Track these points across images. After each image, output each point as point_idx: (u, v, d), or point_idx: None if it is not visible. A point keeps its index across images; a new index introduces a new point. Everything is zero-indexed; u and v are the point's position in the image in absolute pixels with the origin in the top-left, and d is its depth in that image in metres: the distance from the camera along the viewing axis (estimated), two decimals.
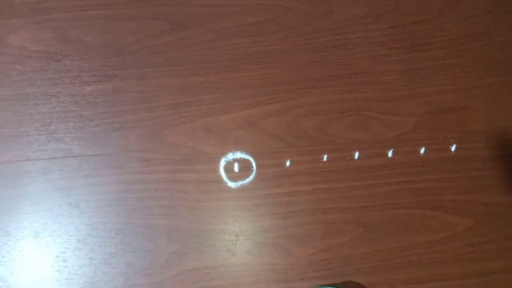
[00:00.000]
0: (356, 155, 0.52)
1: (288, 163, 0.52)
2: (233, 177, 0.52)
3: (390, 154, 0.53)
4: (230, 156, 0.52)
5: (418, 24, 0.56)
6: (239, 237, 0.50)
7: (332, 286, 0.49)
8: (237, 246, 0.50)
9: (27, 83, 0.53)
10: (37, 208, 0.50)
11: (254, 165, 0.52)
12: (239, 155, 0.52)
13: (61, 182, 0.51)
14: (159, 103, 0.53)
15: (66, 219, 0.50)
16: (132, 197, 0.51)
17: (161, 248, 0.50)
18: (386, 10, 0.56)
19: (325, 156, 0.52)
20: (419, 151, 0.53)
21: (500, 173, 0.53)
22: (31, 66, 0.53)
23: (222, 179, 0.52)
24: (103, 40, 0.54)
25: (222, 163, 0.52)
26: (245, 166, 0.52)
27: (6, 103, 0.52)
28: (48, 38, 0.54)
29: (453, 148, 0.53)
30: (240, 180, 0.52)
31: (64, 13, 0.55)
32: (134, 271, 0.49)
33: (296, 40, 0.55)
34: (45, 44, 0.54)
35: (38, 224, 0.50)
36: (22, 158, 0.51)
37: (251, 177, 0.52)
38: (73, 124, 0.52)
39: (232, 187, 0.51)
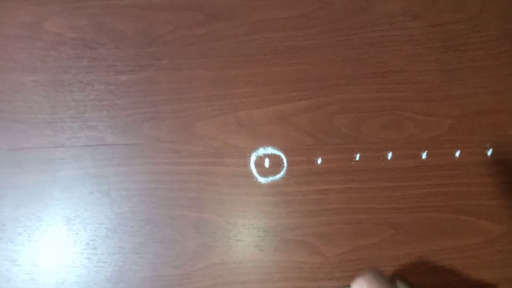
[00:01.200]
0: (389, 155, 0.49)
1: (319, 161, 0.49)
2: (263, 172, 0.49)
3: (424, 155, 0.50)
4: (261, 151, 0.49)
5: (456, 23, 0.52)
6: (267, 233, 0.48)
7: None
8: (265, 242, 0.48)
9: (62, 70, 0.51)
10: (68, 195, 0.48)
11: (285, 161, 0.49)
12: (270, 150, 0.49)
13: (93, 170, 0.49)
14: (192, 95, 0.50)
15: (97, 207, 0.48)
16: (162, 188, 0.48)
17: (190, 240, 0.48)
18: (424, 7, 0.52)
19: (358, 155, 0.49)
20: (454, 154, 0.50)
21: None
22: (66, 53, 0.51)
23: (252, 174, 0.49)
24: (137, 29, 0.51)
25: (253, 158, 0.49)
26: (275, 162, 0.49)
27: (42, 89, 0.50)
28: (83, 26, 0.52)
29: (489, 152, 0.50)
30: (271, 176, 0.49)
31: (100, 1, 0.52)
32: (162, 261, 0.47)
33: (331, 35, 0.52)
34: (80, 32, 0.51)
35: (69, 211, 0.48)
36: (56, 145, 0.49)
37: (282, 173, 0.49)
38: (107, 113, 0.50)
39: (262, 182, 0.49)
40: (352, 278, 0.43)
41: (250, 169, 0.50)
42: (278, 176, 0.50)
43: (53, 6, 0.52)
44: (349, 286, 0.44)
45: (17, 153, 0.49)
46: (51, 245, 0.48)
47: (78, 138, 0.50)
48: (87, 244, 0.48)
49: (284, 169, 0.50)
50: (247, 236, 0.48)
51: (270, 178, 0.50)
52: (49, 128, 0.50)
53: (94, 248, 0.48)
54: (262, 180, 0.49)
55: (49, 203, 0.48)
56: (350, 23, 0.53)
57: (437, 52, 0.52)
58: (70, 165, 0.49)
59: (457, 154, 0.50)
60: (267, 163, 0.50)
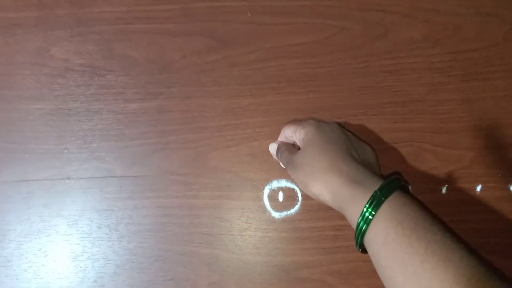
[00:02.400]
0: (409, 189, 0.45)
1: None
2: (277, 206, 0.45)
3: (444, 190, 0.46)
4: (275, 184, 0.46)
5: (478, 51, 0.48)
6: (282, 272, 0.44)
7: None
8: (279, 280, 0.44)
9: (69, 98, 0.47)
10: (75, 229, 0.45)
11: (299, 195, 0.46)
12: (284, 183, 0.46)
13: (101, 203, 0.45)
14: (204, 124, 0.47)
15: (105, 242, 0.45)
16: (173, 223, 0.45)
17: (201, 278, 0.44)
18: (445, 34, 0.48)
19: None
20: (475, 188, 0.46)
21: None
22: (74, 80, 0.47)
23: (266, 208, 0.46)
24: (148, 55, 0.48)
25: (266, 191, 0.46)
26: (290, 196, 0.46)
27: (48, 117, 0.47)
28: (92, 51, 0.48)
29: None
30: (285, 211, 0.45)
31: (109, 25, 0.48)
32: None
33: (347, 63, 0.48)
34: (89, 58, 0.48)
35: (76, 246, 0.45)
36: (62, 176, 0.46)
37: (296, 207, 0.46)
38: (115, 143, 0.46)
39: (276, 217, 0.45)
40: None
41: (264, 203, 0.46)
42: (293, 210, 0.46)
43: (61, 31, 0.48)
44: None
45: (23, 185, 0.46)
46: (58, 282, 0.44)
47: (86, 169, 0.46)
48: (95, 281, 0.45)
49: (299, 203, 0.46)
50: (260, 274, 0.45)
51: (284, 213, 0.46)
52: (55, 159, 0.46)
53: (102, 285, 0.45)
54: (275, 215, 0.46)
55: (56, 238, 0.45)
56: (367, 50, 0.49)
57: (458, 80, 0.48)
58: (77, 198, 0.46)
59: (478, 188, 0.46)
60: (281, 196, 0.46)
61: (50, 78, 0.48)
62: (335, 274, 0.45)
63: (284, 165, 0.44)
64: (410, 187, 0.47)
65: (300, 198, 0.46)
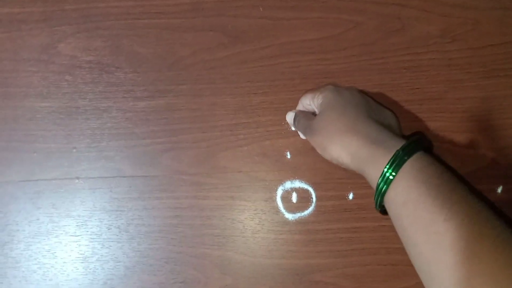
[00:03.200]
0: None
1: (351, 196, 0.43)
2: (290, 208, 0.43)
3: None
4: (288, 184, 0.44)
5: (499, 47, 0.46)
6: (295, 275, 0.42)
7: None
8: (293, 283, 0.42)
9: (77, 96, 0.45)
10: (85, 230, 0.43)
11: (313, 196, 0.44)
12: (297, 184, 0.44)
13: (111, 204, 0.43)
14: (214, 123, 0.45)
15: (115, 244, 0.43)
16: (184, 224, 0.43)
17: (213, 280, 0.42)
18: (464, 29, 0.45)
19: None
20: (496, 189, 0.44)
21: None
22: (82, 77, 0.45)
23: (279, 209, 0.43)
24: (156, 52, 0.45)
25: (279, 192, 0.44)
26: (303, 197, 0.44)
27: (56, 116, 0.45)
28: (99, 48, 0.46)
29: None
30: (298, 212, 0.43)
31: (116, 21, 0.46)
32: None
33: (362, 59, 0.46)
34: (97, 54, 0.46)
35: (86, 248, 0.43)
36: (71, 176, 0.44)
37: (310, 209, 0.43)
38: (124, 142, 0.44)
39: (289, 219, 0.43)
40: None
41: (276, 204, 0.44)
42: (306, 212, 0.44)
43: (68, 27, 0.46)
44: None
45: (30, 185, 0.44)
46: (67, 283, 0.43)
47: (95, 169, 0.44)
48: (105, 283, 0.43)
49: (313, 205, 0.44)
50: (273, 277, 0.43)
51: (298, 215, 0.44)
52: (64, 158, 0.44)
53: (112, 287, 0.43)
54: (289, 216, 0.44)
55: (65, 239, 0.43)
56: (383, 46, 0.46)
57: (478, 77, 0.46)
58: (86, 199, 0.44)
59: (499, 190, 0.44)
60: (294, 198, 0.44)
61: (57, 75, 0.46)
62: (349, 277, 0.43)
63: (302, 132, 0.42)
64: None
65: (314, 199, 0.44)
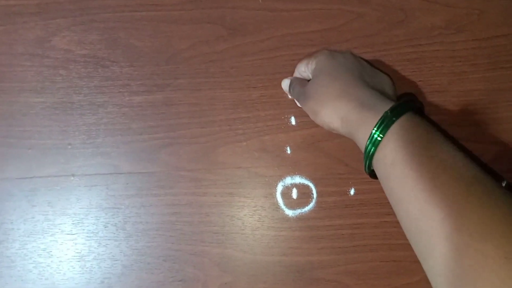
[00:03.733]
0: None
1: (352, 192, 0.42)
2: (290, 204, 0.42)
3: None
4: (288, 180, 0.42)
5: (505, 38, 0.44)
6: (296, 272, 0.41)
7: None
8: (294, 281, 0.41)
9: (72, 91, 0.43)
10: (81, 228, 0.42)
11: (314, 191, 0.42)
12: (298, 179, 0.42)
13: (108, 201, 0.42)
14: (213, 118, 0.43)
15: (112, 242, 0.41)
16: (182, 221, 0.42)
17: (212, 278, 0.41)
18: (469, 20, 0.44)
19: None
20: (500, 184, 0.42)
21: None
22: (77, 71, 0.44)
23: (279, 206, 0.42)
24: (154, 45, 0.44)
25: (279, 188, 0.42)
26: (304, 193, 0.42)
27: (50, 111, 0.43)
28: (95, 41, 0.44)
29: None
30: (299, 208, 0.42)
31: (113, 13, 0.44)
32: None
33: (365, 51, 0.44)
34: (92, 48, 0.44)
35: (82, 246, 0.42)
36: (67, 173, 0.42)
37: (311, 205, 0.42)
38: (121, 138, 0.43)
39: (290, 215, 0.42)
40: None
41: (276, 201, 0.43)
42: (307, 208, 0.42)
43: (63, 20, 0.45)
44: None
45: (25, 182, 0.42)
46: (63, 283, 0.41)
47: (91, 166, 0.43)
48: (102, 282, 0.42)
49: (314, 201, 0.42)
50: (274, 275, 0.41)
51: (298, 211, 0.42)
52: (59, 154, 0.43)
53: (109, 287, 0.42)
54: (289, 212, 0.42)
55: (61, 238, 0.42)
56: (386, 37, 0.44)
57: (483, 69, 0.44)
58: (83, 196, 0.43)
59: (504, 184, 0.42)
60: (294, 193, 0.43)
61: (52, 70, 0.44)
62: (351, 274, 0.42)
63: (296, 99, 0.41)
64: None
65: (315, 195, 0.43)
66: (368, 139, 0.32)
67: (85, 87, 0.44)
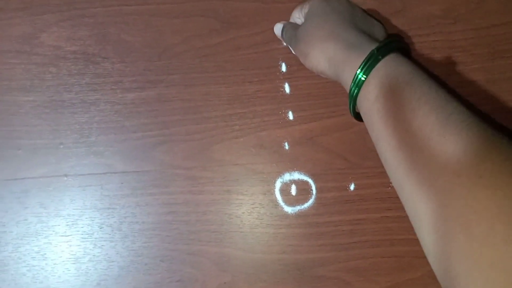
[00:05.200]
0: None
1: (352, 187, 0.40)
2: (289, 200, 0.40)
3: None
4: (287, 176, 0.40)
5: (504, 26, 0.42)
6: (296, 270, 0.39)
7: None
8: (294, 279, 0.39)
9: (63, 89, 0.41)
10: (75, 230, 0.39)
11: (313, 187, 0.40)
12: (296, 175, 0.40)
13: (102, 202, 0.40)
14: (208, 114, 0.41)
15: (108, 243, 0.39)
16: (179, 220, 0.40)
17: (211, 278, 0.39)
18: (468, 9, 0.42)
19: None
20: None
21: None
22: (67, 68, 0.41)
23: (277, 202, 0.40)
24: (145, 40, 0.41)
25: (278, 184, 0.40)
26: (303, 189, 0.40)
27: (40, 110, 0.41)
28: (84, 37, 0.41)
29: None
30: (298, 205, 0.40)
31: (102, 8, 0.42)
32: None
33: None
34: (82, 44, 0.41)
35: (77, 248, 0.39)
36: (59, 173, 0.40)
37: (310, 201, 0.40)
38: (114, 136, 0.40)
39: (289, 212, 0.40)
40: None
41: (275, 197, 0.41)
42: (306, 204, 0.40)
43: (50, 15, 0.42)
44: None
45: (16, 183, 0.40)
46: (59, 286, 0.39)
47: (84, 165, 0.41)
48: (98, 284, 0.40)
49: (313, 197, 0.40)
50: (274, 273, 0.40)
51: (298, 207, 0.40)
52: (50, 155, 0.41)
53: None
54: (288, 209, 0.40)
55: (55, 240, 0.40)
56: None
57: (483, 59, 0.42)
58: (76, 196, 0.40)
59: None
60: (293, 190, 0.41)
61: (40, 67, 0.42)
62: (352, 271, 0.40)
63: (288, 44, 0.40)
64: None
65: (314, 191, 0.41)
66: (352, 80, 0.31)
67: (76, 85, 0.42)
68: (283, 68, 0.42)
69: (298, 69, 0.42)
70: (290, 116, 0.42)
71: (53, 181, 0.41)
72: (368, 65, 0.31)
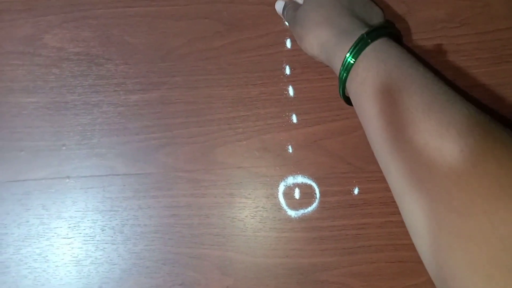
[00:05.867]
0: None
1: (356, 191, 0.39)
2: (293, 204, 0.39)
3: None
4: (290, 180, 0.39)
5: (510, 31, 0.41)
6: (299, 274, 0.38)
7: None
8: (297, 284, 0.38)
9: (66, 90, 0.40)
10: (77, 232, 0.39)
11: (317, 191, 0.39)
12: (300, 179, 0.39)
13: (104, 204, 0.39)
14: (211, 116, 0.40)
15: (110, 246, 0.39)
16: (181, 224, 0.39)
17: (213, 282, 0.38)
18: (473, 13, 0.41)
19: None
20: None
21: None
22: (70, 70, 0.41)
23: (281, 206, 0.39)
24: (149, 42, 0.41)
25: (281, 188, 0.39)
26: (307, 193, 0.39)
27: (43, 111, 0.40)
28: (88, 38, 0.41)
29: None
30: (301, 209, 0.39)
31: (106, 9, 0.41)
32: None
33: None
34: (85, 45, 0.41)
35: (79, 250, 0.39)
36: (61, 175, 0.39)
37: (314, 205, 0.39)
38: (117, 138, 0.40)
39: (292, 216, 0.39)
40: None
41: (278, 201, 0.40)
42: (310, 208, 0.40)
43: (54, 17, 0.41)
44: None
45: (17, 185, 0.40)
46: None
47: (86, 167, 0.40)
48: (100, 287, 0.39)
49: (317, 201, 0.40)
50: (276, 277, 0.39)
51: (301, 211, 0.40)
52: (53, 156, 0.40)
53: None
54: (292, 213, 0.40)
55: (56, 242, 0.39)
56: None
57: (488, 64, 0.41)
58: (78, 199, 0.40)
59: None
60: (297, 193, 0.40)
61: (43, 69, 0.41)
62: (356, 276, 0.39)
63: (288, 23, 0.40)
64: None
65: (317, 195, 0.40)
66: (342, 63, 0.31)
67: (79, 86, 0.41)
68: (287, 71, 0.42)
69: (302, 72, 0.42)
70: (294, 119, 0.41)
71: (55, 183, 0.40)
72: (357, 49, 0.31)
